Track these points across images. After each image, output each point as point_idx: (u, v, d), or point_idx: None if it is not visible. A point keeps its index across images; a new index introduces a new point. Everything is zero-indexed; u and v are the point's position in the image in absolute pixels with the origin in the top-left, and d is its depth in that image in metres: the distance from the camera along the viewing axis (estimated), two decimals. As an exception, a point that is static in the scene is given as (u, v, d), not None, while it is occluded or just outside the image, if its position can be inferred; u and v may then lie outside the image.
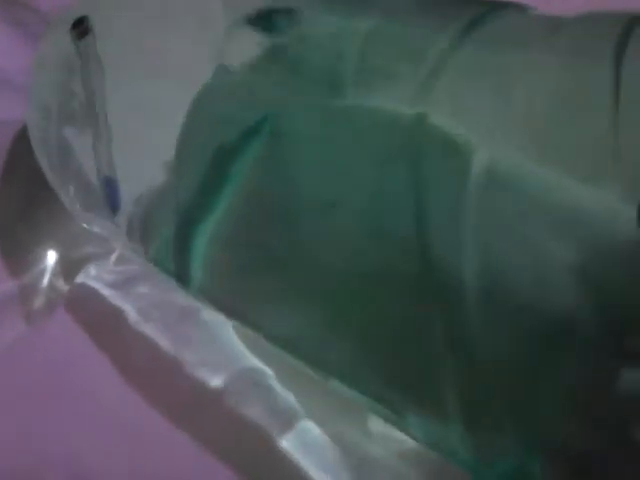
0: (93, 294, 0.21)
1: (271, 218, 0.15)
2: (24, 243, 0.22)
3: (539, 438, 0.13)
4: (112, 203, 0.17)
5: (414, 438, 0.15)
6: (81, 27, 0.18)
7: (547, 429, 0.12)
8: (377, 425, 0.17)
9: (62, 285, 0.21)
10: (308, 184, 0.15)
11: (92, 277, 0.21)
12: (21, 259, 0.22)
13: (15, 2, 0.25)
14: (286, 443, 0.18)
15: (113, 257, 0.21)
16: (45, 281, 0.21)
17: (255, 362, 0.19)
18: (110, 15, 0.18)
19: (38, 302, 0.21)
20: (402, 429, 0.16)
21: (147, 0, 0.18)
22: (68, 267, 0.22)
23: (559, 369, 0.12)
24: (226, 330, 0.19)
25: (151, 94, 0.17)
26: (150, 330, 0.20)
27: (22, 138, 0.22)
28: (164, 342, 0.20)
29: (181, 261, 0.17)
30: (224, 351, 0.19)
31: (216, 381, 0.19)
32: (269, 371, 0.19)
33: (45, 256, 0.22)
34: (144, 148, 0.17)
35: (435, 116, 0.13)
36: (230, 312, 0.18)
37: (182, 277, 0.17)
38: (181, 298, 0.20)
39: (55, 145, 0.19)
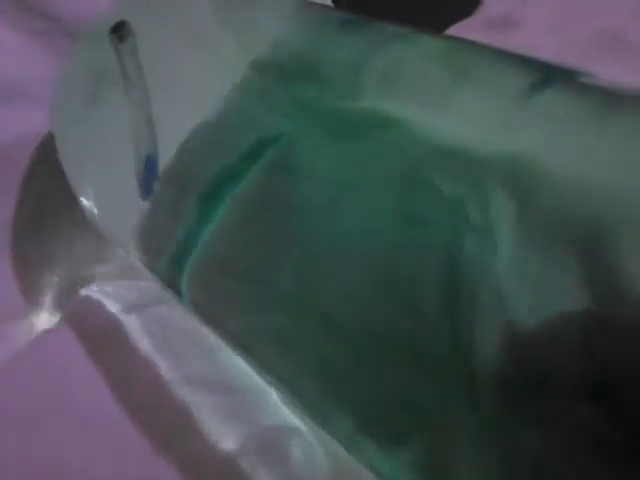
0: (96, 309, 0.20)
1: (260, 245, 0.14)
2: (35, 257, 0.21)
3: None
4: (147, 186, 0.16)
5: None
6: (121, 31, 0.18)
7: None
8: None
9: (67, 300, 0.20)
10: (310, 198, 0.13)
11: (96, 291, 0.20)
12: (31, 273, 0.21)
13: (34, 12, 0.25)
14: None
15: (120, 272, 0.20)
16: (51, 296, 0.21)
17: (283, 417, 0.17)
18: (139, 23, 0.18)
19: (42, 317, 0.20)
20: None
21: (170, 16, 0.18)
22: (75, 283, 0.21)
23: None
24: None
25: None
26: (152, 355, 0.19)
27: (41, 151, 0.22)
28: (168, 373, 0.18)
29: (172, 274, 0.16)
30: (245, 404, 0.17)
31: (228, 443, 0.17)
32: (302, 427, 0.16)
33: (53, 271, 0.21)
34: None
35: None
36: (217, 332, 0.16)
37: (176, 291, 0.16)
38: (190, 323, 0.18)
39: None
